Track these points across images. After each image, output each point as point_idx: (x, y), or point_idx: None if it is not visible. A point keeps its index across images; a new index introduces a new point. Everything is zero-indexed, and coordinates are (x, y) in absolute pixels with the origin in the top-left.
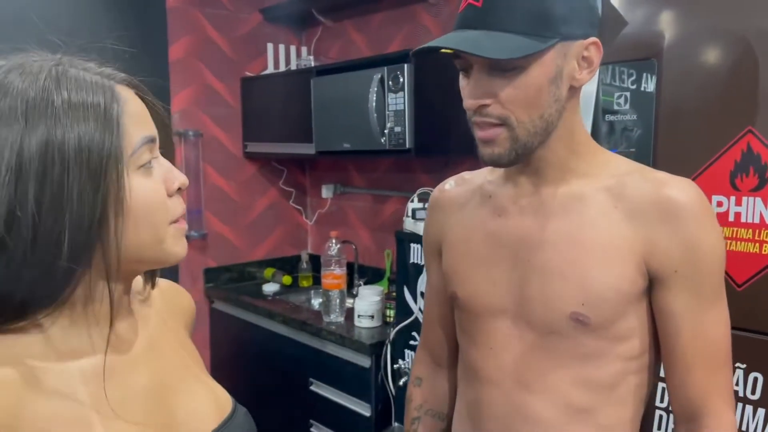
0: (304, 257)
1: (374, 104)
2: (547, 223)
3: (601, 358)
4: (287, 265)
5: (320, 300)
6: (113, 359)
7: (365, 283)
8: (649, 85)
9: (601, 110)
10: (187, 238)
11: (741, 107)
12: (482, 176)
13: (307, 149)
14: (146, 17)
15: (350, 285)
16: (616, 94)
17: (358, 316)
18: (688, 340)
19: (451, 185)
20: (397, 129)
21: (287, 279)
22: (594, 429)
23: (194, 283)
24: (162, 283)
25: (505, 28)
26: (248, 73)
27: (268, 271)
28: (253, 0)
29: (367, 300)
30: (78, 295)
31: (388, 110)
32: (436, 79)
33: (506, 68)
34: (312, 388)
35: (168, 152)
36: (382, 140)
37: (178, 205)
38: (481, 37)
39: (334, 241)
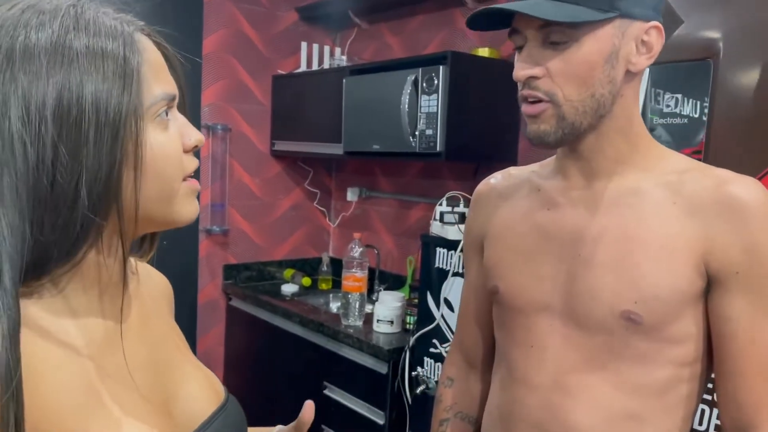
0: (325, 260)
1: (406, 106)
2: (599, 217)
3: (652, 362)
4: (307, 266)
5: (339, 303)
6: (117, 327)
7: (385, 290)
8: (704, 87)
9: (650, 111)
10: (209, 232)
11: None
12: (529, 170)
13: (336, 149)
14: (183, 8)
15: (370, 290)
16: (667, 96)
17: (377, 320)
18: (744, 346)
19: (497, 179)
20: (429, 132)
21: (306, 280)
22: None
23: (213, 278)
24: (139, 266)
25: None
26: (280, 71)
27: (288, 272)
28: None
29: (388, 305)
30: (91, 257)
31: (420, 112)
32: (471, 82)
33: (560, 40)
34: (326, 392)
35: (182, 108)
36: (413, 143)
37: (191, 162)
38: (540, 2)
39: (357, 242)
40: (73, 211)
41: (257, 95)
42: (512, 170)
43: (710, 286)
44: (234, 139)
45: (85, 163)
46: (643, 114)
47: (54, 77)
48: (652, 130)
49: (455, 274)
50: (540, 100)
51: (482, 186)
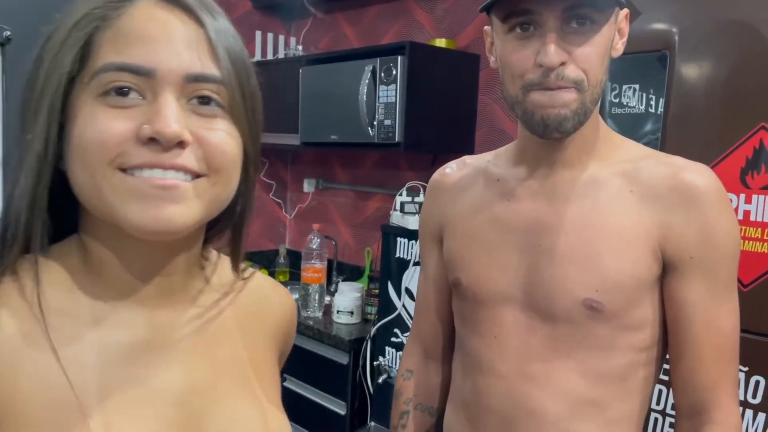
0: (282, 252)
1: (365, 96)
2: (559, 208)
3: (613, 348)
4: (264, 259)
5: (297, 295)
6: (142, 345)
7: (344, 281)
8: (660, 79)
9: (608, 103)
10: None
11: (754, 103)
12: (484, 160)
13: (293, 140)
14: None
15: (328, 282)
16: (624, 87)
17: (337, 311)
18: (700, 329)
19: (452, 168)
20: (387, 122)
21: (263, 273)
22: (601, 423)
23: None
24: (258, 278)
25: None
26: None
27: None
28: None
29: (347, 296)
30: (71, 245)
31: (379, 102)
32: (428, 72)
33: (585, 25)
34: (286, 384)
35: (235, 109)
36: (371, 133)
37: (146, 152)
38: None
39: (316, 234)
40: (25, 182)
41: None
42: (467, 159)
43: (666, 272)
44: None
45: (32, 126)
46: (600, 106)
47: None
48: (607, 120)
49: (416, 264)
50: (565, 88)
51: (438, 176)
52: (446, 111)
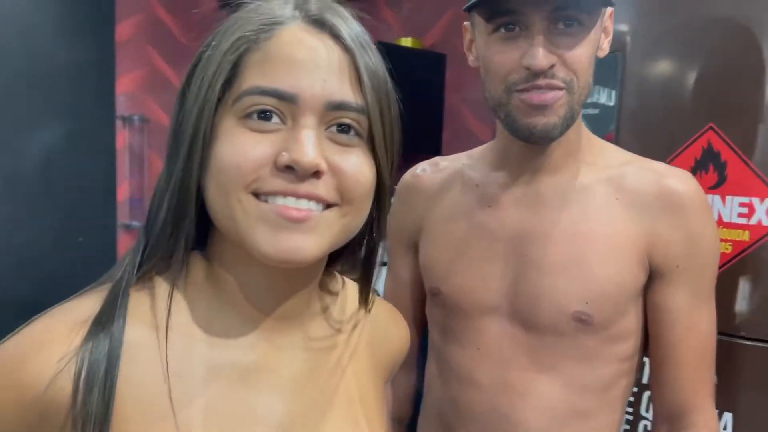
0: None
1: None
2: (545, 215)
3: (597, 359)
4: None
5: None
6: (251, 367)
7: None
8: (612, 79)
9: None
10: (128, 228)
11: (703, 104)
12: (459, 162)
13: None
14: None
15: None
16: None
17: None
18: (682, 335)
19: (426, 171)
20: None
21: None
22: None
23: None
24: (380, 306)
25: None
26: None
27: None
28: None
29: None
30: (195, 260)
31: None
32: (395, 72)
33: (570, 25)
34: None
35: (375, 138)
36: None
37: (280, 181)
38: None
39: None
40: (166, 193)
41: (177, 85)
42: (440, 161)
43: (650, 280)
44: (153, 131)
45: (182, 144)
46: None
47: (196, 56)
48: None
49: (383, 264)
50: (554, 89)
51: (410, 178)
52: (413, 111)
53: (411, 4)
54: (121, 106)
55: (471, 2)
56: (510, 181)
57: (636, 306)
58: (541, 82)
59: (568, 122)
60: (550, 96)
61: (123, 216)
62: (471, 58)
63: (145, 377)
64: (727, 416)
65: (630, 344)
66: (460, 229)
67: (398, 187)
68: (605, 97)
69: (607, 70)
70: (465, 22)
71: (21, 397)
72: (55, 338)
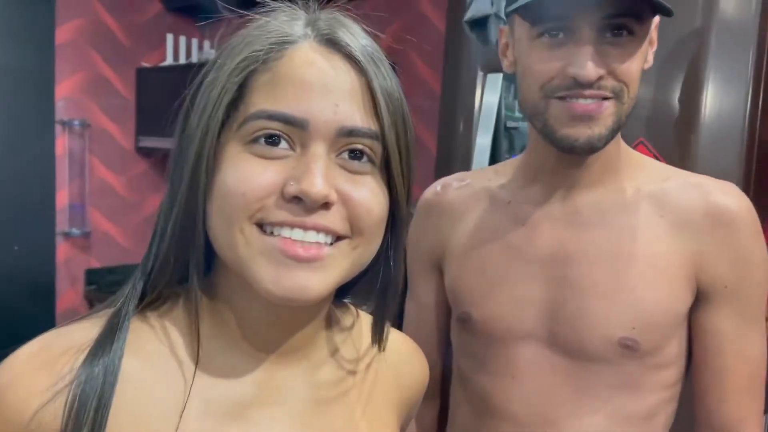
0: None
1: None
2: (584, 235)
3: (641, 387)
4: None
5: None
6: (250, 402)
7: None
8: None
9: (503, 122)
10: (67, 235)
11: (633, 118)
12: (485, 178)
13: None
14: None
15: None
16: (516, 101)
17: None
18: (730, 359)
19: (449, 187)
20: None
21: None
22: None
23: (73, 284)
24: (397, 341)
25: None
26: (145, 64)
27: None
28: None
29: None
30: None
31: None
32: None
33: (620, 34)
34: None
35: (390, 165)
36: None
37: (287, 212)
38: None
39: None
40: (169, 221)
41: (119, 89)
42: (464, 176)
43: (697, 302)
44: (94, 136)
45: (182, 174)
46: (497, 124)
47: (201, 75)
48: (500, 141)
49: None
50: (602, 98)
51: (432, 196)
52: None
53: (362, 10)
54: (61, 111)
55: (516, 4)
56: (545, 197)
57: (682, 330)
58: (587, 92)
59: (614, 134)
60: (595, 106)
61: (62, 223)
62: (506, 63)
63: (139, 414)
64: None
65: (674, 371)
66: (490, 249)
67: (418, 205)
68: None
69: None
70: (502, 26)
71: (5, 429)
72: (42, 367)
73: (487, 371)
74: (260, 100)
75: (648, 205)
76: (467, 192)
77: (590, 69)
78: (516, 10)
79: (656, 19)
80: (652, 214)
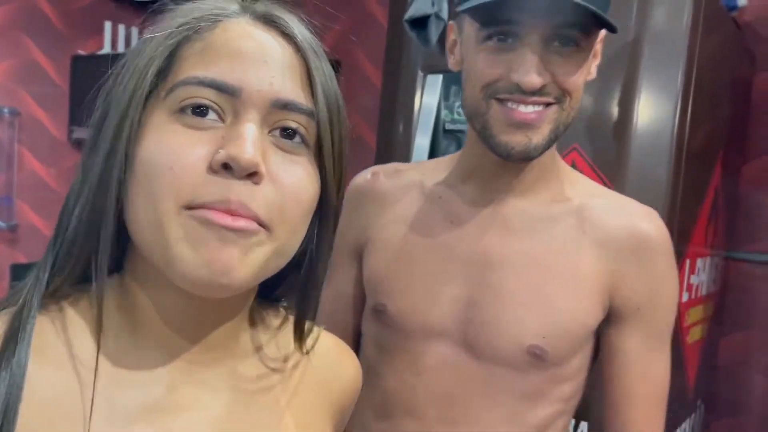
0: None
1: None
2: (509, 241)
3: (543, 398)
4: None
5: None
6: (165, 405)
7: None
8: None
9: (443, 123)
10: None
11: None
12: (421, 171)
13: None
14: None
15: None
16: (457, 104)
17: None
18: (636, 379)
19: (379, 174)
20: None
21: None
22: None
23: None
24: (326, 343)
25: None
26: (81, 52)
27: None
28: None
29: None
30: (111, 283)
31: None
32: None
33: (566, 44)
34: None
35: (323, 148)
36: None
37: (219, 189)
38: None
39: None
40: (80, 199)
41: (53, 76)
42: (399, 166)
43: (608, 320)
44: (24, 125)
45: (99, 144)
46: (435, 126)
47: (134, 48)
48: (440, 143)
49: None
50: (543, 104)
51: (361, 181)
52: None
53: (306, 9)
54: None
55: (467, 5)
56: (476, 198)
57: (588, 345)
58: (530, 99)
59: (551, 143)
60: (535, 115)
61: None
62: (452, 61)
63: (47, 420)
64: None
65: (574, 384)
66: (415, 243)
67: (348, 190)
68: None
69: None
70: (450, 21)
71: None
72: None
73: (394, 366)
74: (191, 68)
75: (574, 220)
76: (399, 182)
77: (534, 77)
78: (466, 11)
79: (602, 33)
80: (576, 228)
